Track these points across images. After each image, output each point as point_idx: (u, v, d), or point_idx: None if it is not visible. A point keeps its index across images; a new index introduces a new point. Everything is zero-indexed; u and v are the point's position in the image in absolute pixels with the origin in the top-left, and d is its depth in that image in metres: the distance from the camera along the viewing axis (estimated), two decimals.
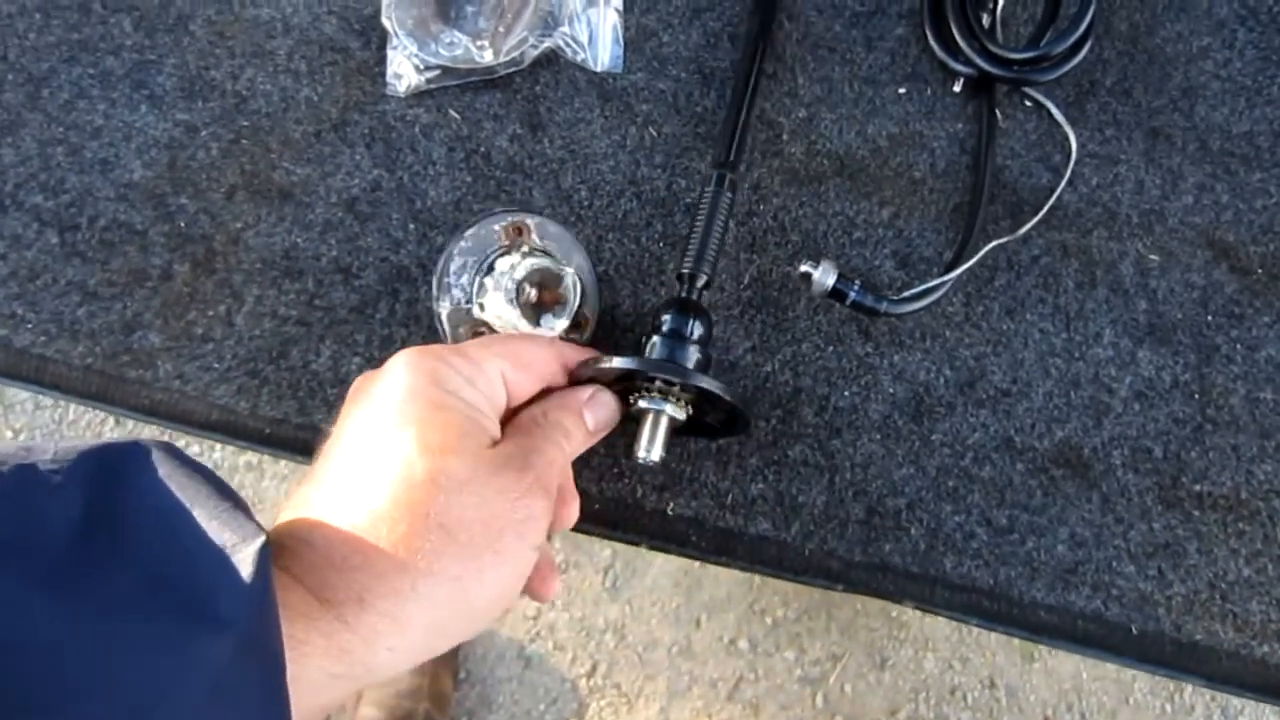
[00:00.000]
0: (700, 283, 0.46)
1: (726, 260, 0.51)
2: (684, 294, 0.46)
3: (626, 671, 1.39)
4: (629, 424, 0.44)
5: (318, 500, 0.35)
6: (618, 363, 0.41)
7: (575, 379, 0.43)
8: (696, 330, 0.44)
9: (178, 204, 0.52)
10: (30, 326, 0.50)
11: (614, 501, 0.48)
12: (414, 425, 0.35)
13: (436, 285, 0.46)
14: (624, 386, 0.43)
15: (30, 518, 0.26)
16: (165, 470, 0.30)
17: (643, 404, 0.42)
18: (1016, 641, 1.43)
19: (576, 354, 0.42)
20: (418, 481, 0.34)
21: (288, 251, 0.51)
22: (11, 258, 0.51)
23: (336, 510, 0.34)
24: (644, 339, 0.44)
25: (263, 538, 0.30)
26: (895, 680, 1.41)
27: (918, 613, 1.41)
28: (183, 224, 0.51)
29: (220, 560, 0.28)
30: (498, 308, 0.43)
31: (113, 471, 0.29)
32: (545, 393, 0.42)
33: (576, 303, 0.45)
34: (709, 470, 0.49)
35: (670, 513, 0.48)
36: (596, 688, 1.38)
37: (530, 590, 0.41)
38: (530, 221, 0.48)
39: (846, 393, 0.50)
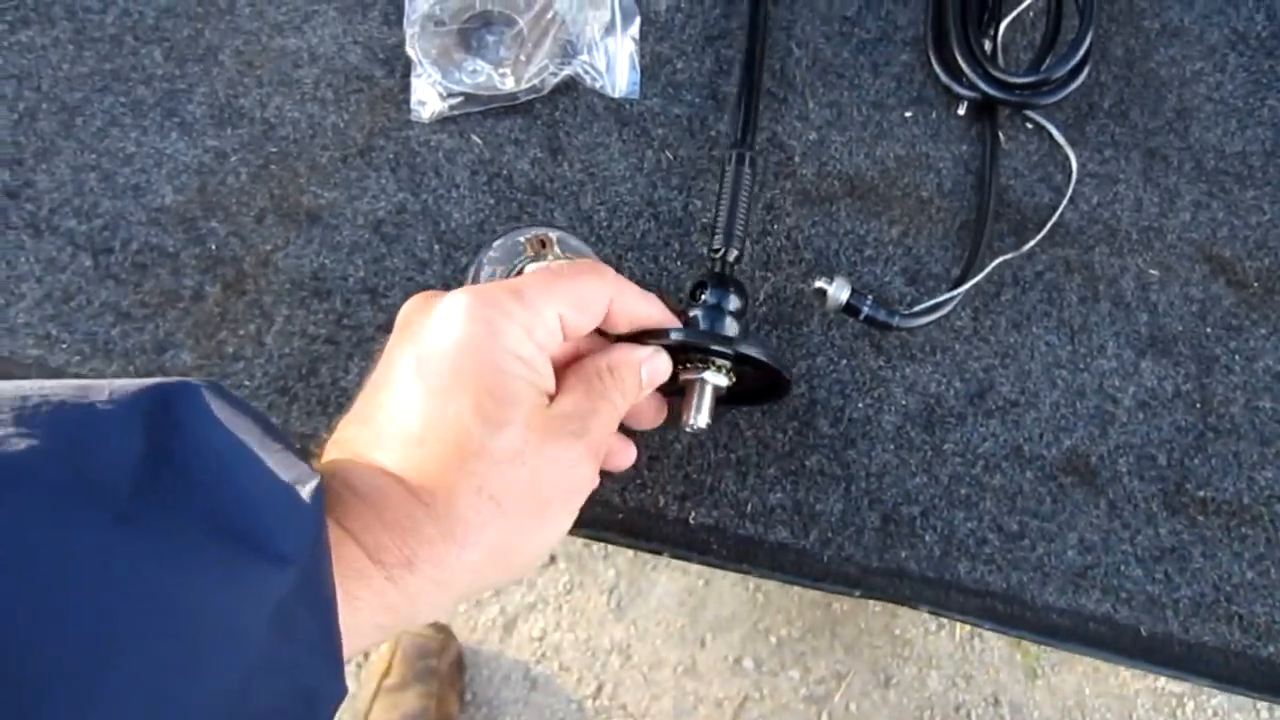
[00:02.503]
0: (732, 257, 0.48)
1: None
2: (718, 268, 0.48)
3: (632, 692, 1.40)
4: (674, 394, 0.46)
5: (365, 443, 0.35)
6: (673, 335, 0.43)
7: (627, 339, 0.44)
8: (734, 302, 0.46)
9: (208, 227, 0.53)
10: (65, 347, 0.51)
11: (636, 511, 0.50)
12: (470, 391, 0.35)
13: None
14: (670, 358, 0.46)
15: (96, 457, 0.26)
16: (218, 408, 0.30)
17: (687, 375, 0.44)
18: (1020, 659, 1.44)
19: (632, 293, 0.41)
20: (471, 451, 0.34)
21: (316, 272, 0.53)
22: (47, 280, 0.52)
23: (387, 461, 0.34)
24: (682, 313, 0.46)
25: (318, 479, 0.30)
26: (900, 699, 1.42)
27: (921, 631, 1.43)
28: (213, 247, 0.53)
29: (280, 498, 0.29)
30: None
31: (169, 410, 0.29)
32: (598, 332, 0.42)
33: None
34: (729, 480, 0.50)
35: (692, 522, 0.49)
36: (602, 709, 1.39)
37: (607, 467, 0.43)
38: (553, 235, 0.49)
39: (860, 404, 0.52)
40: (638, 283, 0.52)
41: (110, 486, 0.26)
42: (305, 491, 0.29)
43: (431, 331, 0.36)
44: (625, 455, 0.44)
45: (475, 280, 0.48)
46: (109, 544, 0.25)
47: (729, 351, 0.44)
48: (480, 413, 0.34)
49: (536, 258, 0.47)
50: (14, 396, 0.26)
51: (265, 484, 0.29)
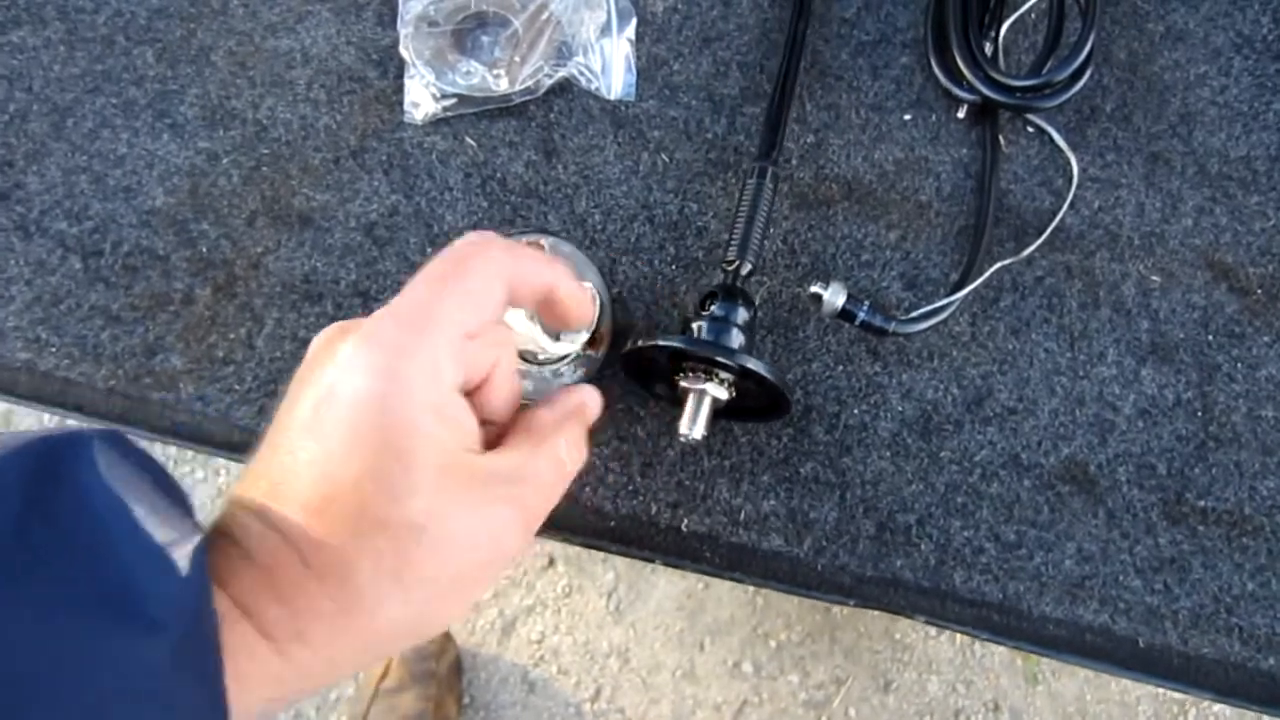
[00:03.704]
0: (745, 270, 0.48)
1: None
2: (729, 281, 0.48)
3: (630, 695, 1.39)
4: (674, 405, 0.46)
5: (266, 494, 0.32)
6: (678, 343, 0.42)
7: (626, 355, 0.44)
8: (741, 315, 0.46)
9: (199, 230, 0.53)
10: (54, 350, 0.51)
11: (628, 518, 0.49)
12: (371, 455, 0.31)
13: None
14: (670, 366, 0.45)
15: None
16: (105, 463, 0.28)
17: (687, 384, 0.44)
18: (1020, 664, 1.43)
19: (529, 265, 0.37)
20: (369, 523, 0.31)
21: (307, 275, 0.52)
22: (36, 283, 0.52)
23: (285, 524, 0.31)
24: (691, 322, 0.46)
25: (199, 538, 0.29)
26: (899, 704, 1.41)
27: (921, 635, 1.42)
28: (204, 249, 0.52)
29: (154, 560, 0.27)
30: (518, 323, 0.44)
31: (52, 466, 0.27)
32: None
33: (597, 315, 0.46)
34: (722, 487, 0.49)
35: (684, 529, 0.49)
36: (601, 712, 1.38)
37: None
38: (545, 241, 0.49)
39: (856, 411, 0.51)
40: (632, 287, 0.52)
41: None
42: (183, 554, 0.28)
43: (331, 379, 0.32)
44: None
45: None
46: None
47: (732, 365, 0.43)
48: (381, 480, 0.31)
49: None
50: None
51: (141, 546, 0.27)
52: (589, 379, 0.48)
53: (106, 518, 0.27)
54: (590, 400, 0.40)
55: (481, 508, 0.33)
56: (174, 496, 0.30)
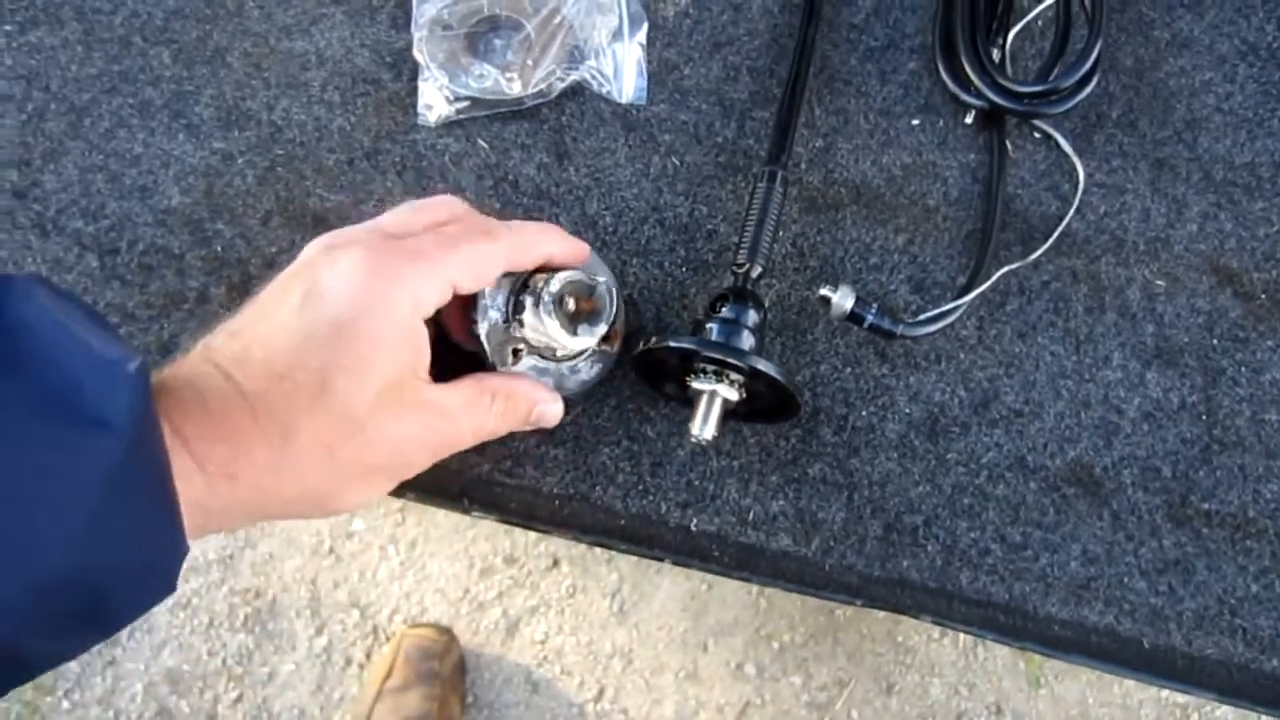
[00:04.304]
0: (755, 273, 0.48)
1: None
2: (739, 283, 0.48)
3: (634, 696, 1.39)
4: (684, 405, 0.47)
5: (230, 356, 0.37)
6: (679, 343, 0.43)
7: (637, 356, 0.46)
8: (751, 317, 0.46)
9: (214, 229, 0.53)
10: None
11: (638, 518, 0.49)
12: (344, 349, 0.36)
13: (474, 307, 0.47)
14: (681, 367, 0.46)
15: None
16: (44, 296, 0.31)
17: (698, 384, 0.45)
18: (1023, 667, 1.43)
19: (529, 238, 0.43)
20: (324, 403, 0.36)
21: None
22: (53, 281, 0.52)
23: (245, 381, 0.36)
24: (702, 323, 0.47)
25: (141, 358, 0.31)
26: (902, 706, 1.41)
27: (924, 638, 1.42)
28: (219, 248, 0.53)
29: (104, 370, 0.30)
30: (537, 321, 0.44)
31: None
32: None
33: (612, 310, 0.47)
34: (731, 488, 0.50)
35: (693, 529, 0.49)
36: (604, 713, 1.39)
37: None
38: None
39: (864, 413, 0.52)
40: (642, 289, 0.52)
41: None
42: (129, 366, 0.31)
43: (327, 280, 0.37)
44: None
45: (480, 292, 0.48)
46: None
47: (743, 366, 0.44)
48: (345, 371, 0.36)
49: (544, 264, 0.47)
50: None
51: (89, 359, 0.30)
52: (605, 376, 0.49)
53: (55, 336, 0.30)
54: (546, 407, 0.45)
55: (410, 425, 0.39)
56: (108, 327, 0.33)
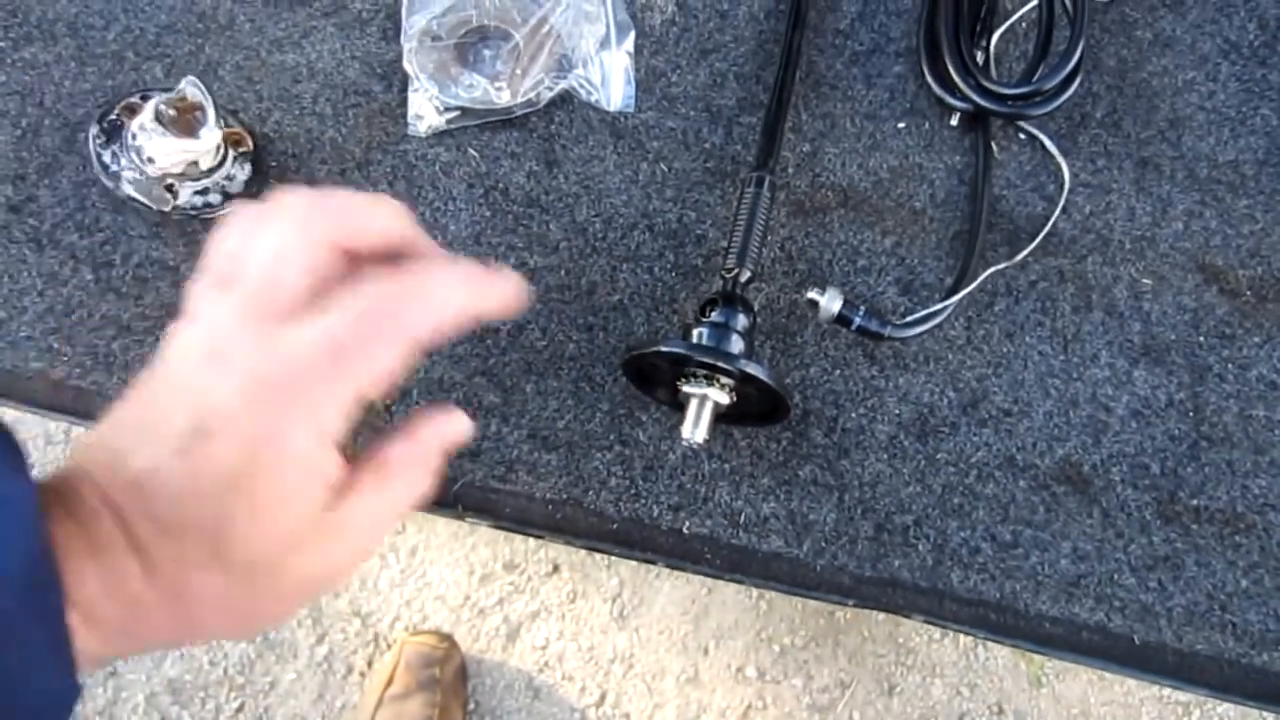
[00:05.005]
0: (744, 277, 0.49)
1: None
2: (728, 288, 0.49)
3: (635, 701, 1.40)
4: (675, 410, 0.48)
5: (123, 484, 0.31)
6: (669, 348, 0.44)
7: (628, 361, 0.46)
8: (741, 321, 0.47)
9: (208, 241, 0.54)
10: (66, 359, 0.52)
11: (631, 521, 0.50)
12: (236, 503, 0.31)
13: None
14: (672, 371, 0.47)
15: None
16: None
17: (688, 388, 0.45)
18: (1024, 667, 1.44)
19: (361, 214, 0.34)
20: (219, 563, 0.32)
21: None
22: (49, 294, 0.53)
23: (136, 525, 0.31)
24: (691, 328, 0.47)
25: (32, 492, 0.29)
26: (904, 707, 1.41)
27: (925, 639, 1.42)
28: None
29: None
30: (162, 147, 0.44)
31: None
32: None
33: (210, 104, 0.48)
34: (723, 490, 0.50)
35: (686, 532, 0.50)
36: (605, 717, 1.39)
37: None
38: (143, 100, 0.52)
39: (854, 414, 0.52)
40: (632, 294, 0.53)
41: None
42: (23, 505, 0.29)
43: (211, 421, 0.31)
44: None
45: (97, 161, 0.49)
46: None
47: (733, 369, 0.44)
48: (242, 524, 0.31)
49: (134, 112, 0.50)
50: None
51: None
52: (256, 171, 0.52)
53: None
54: (449, 426, 0.37)
55: (318, 559, 0.34)
56: (9, 449, 0.30)
